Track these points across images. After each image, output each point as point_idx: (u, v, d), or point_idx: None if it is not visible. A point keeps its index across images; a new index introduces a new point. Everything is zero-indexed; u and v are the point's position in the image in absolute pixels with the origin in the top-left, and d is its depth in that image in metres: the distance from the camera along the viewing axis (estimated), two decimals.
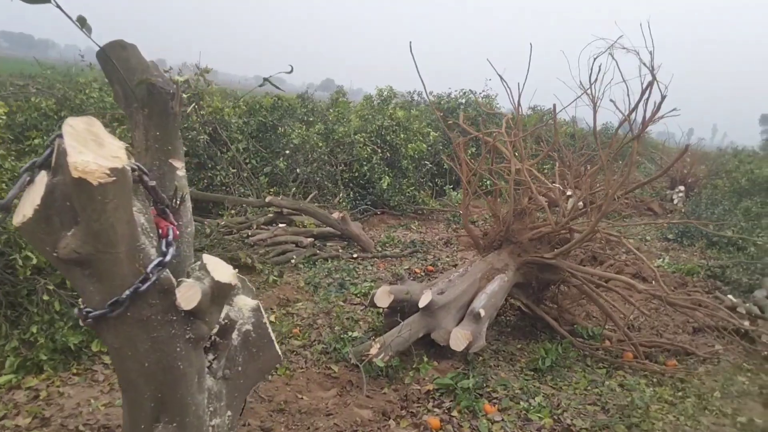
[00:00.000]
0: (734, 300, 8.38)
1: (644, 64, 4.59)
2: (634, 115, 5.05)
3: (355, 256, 8.87)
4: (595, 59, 4.93)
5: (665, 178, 22.03)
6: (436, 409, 4.66)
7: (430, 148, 13.94)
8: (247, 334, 2.42)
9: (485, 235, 6.81)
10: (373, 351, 5.16)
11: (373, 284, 7.61)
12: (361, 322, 6.44)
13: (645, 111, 4.97)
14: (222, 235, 7.58)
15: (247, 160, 10.37)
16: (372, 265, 8.68)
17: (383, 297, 5.76)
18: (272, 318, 6.14)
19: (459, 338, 5.42)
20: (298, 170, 10.59)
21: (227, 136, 10.20)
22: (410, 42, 6.23)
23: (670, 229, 13.63)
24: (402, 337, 5.28)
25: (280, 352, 2.51)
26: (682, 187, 20.39)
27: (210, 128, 9.80)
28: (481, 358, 5.79)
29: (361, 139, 12.31)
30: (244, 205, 9.06)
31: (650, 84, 4.86)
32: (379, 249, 9.64)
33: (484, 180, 9.50)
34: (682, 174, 21.16)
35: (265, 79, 2.18)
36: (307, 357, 5.30)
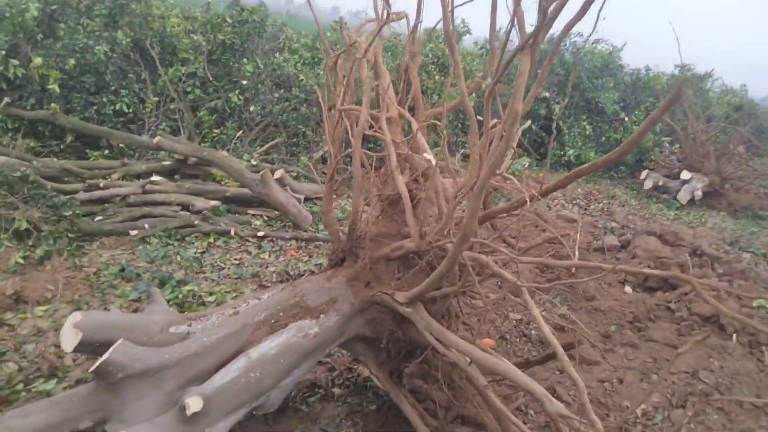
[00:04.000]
0: None
1: None
2: None
3: (260, 234, 6.10)
4: None
5: None
6: None
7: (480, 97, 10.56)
8: None
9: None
10: None
11: (216, 288, 4.86)
12: None
13: None
14: (31, 183, 5.18)
15: (189, 90, 7.84)
16: (274, 252, 5.87)
17: (68, 335, 3.02)
18: None
19: None
20: (252, 108, 7.87)
21: (167, 55, 7.74)
22: None
23: None
24: None
25: None
26: None
27: (129, 39, 7.34)
28: None
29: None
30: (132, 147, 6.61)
31: None
32: (322, 228, 6.76)
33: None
34: None
35: None
36: None
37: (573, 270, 4.72)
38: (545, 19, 1.84)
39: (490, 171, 2.14)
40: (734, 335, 5.59)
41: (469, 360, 2.75)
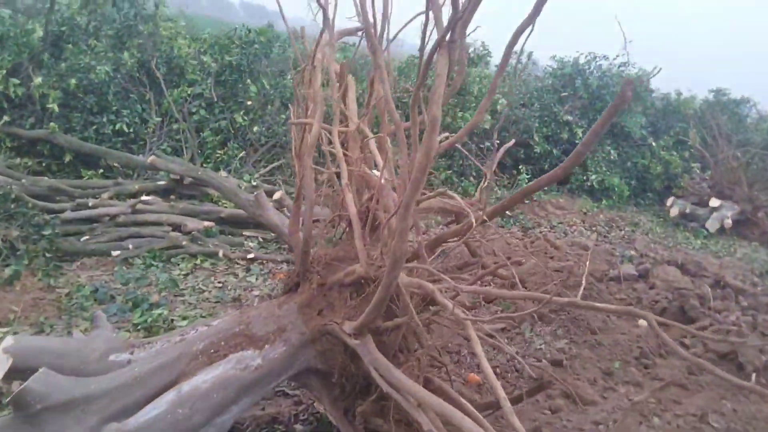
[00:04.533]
0: None
1: None
2: None
3: (250, 256, 5.91)
4: None
5: None
6: None
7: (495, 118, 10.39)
8: None
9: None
10: None
11: (190, 312, 4.65)
12: None
13: None
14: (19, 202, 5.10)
15: (195, 110, 7.77)
16: (263, 275, 5.67)
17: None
18: None
19: None
20: (255, 128, 7.76)
21: (174, 76, 7.71)
22: None
23: None
24: None
25: None
26: None
27: (134, 60, 7.33)
28: None
29: None
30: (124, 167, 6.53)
31: None
32: None
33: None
34: None
35: None
36: None
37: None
38: (457, 14, 1.60)
39: (414, 188, 1.89)
40: (753, 375, 5.13)
41: (416, 402, 2.47)
